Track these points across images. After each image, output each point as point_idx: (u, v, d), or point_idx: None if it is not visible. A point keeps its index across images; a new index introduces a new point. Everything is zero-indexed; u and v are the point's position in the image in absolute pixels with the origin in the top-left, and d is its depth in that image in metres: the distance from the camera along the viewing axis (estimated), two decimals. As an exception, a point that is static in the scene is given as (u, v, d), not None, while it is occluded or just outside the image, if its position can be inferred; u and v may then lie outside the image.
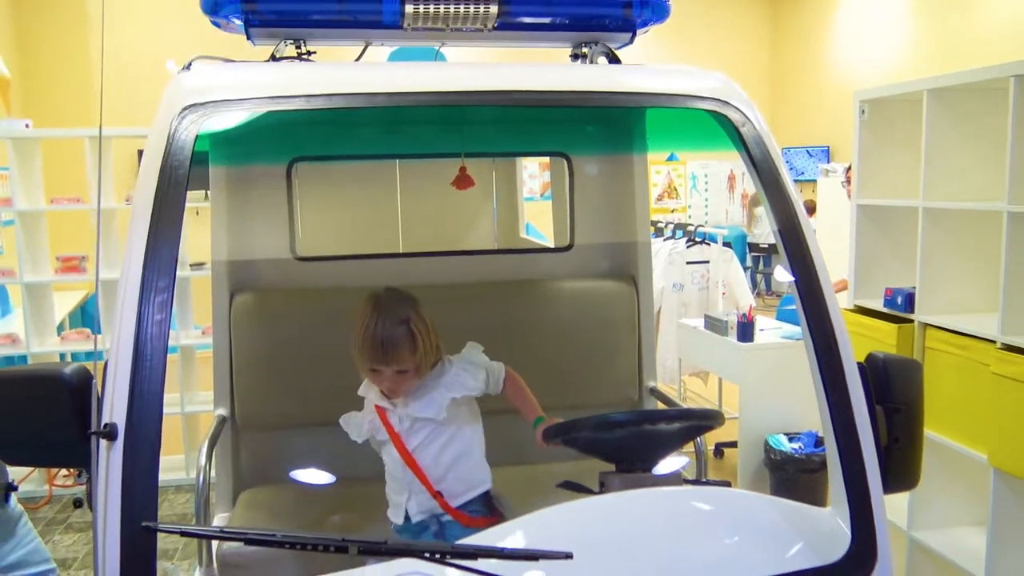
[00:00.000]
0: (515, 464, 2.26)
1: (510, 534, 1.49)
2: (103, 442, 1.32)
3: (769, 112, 11.41)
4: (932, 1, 8.67)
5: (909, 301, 3.00)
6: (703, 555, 1.46)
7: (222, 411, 2.45)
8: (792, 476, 4.20)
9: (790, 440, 4.40)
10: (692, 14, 10.82)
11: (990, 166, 2.64)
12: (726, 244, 6.08)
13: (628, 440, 1.74)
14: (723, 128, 1.74)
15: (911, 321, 2.99)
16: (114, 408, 1.33)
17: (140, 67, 7.86)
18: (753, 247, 10.99)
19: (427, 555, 1.29)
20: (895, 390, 1.64)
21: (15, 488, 2.29)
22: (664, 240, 5.94)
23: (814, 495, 4.10)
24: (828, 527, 1.54)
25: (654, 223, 6.49)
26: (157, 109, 1.61)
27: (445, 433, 1.97)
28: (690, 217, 11.06)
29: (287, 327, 2.48)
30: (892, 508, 3.16)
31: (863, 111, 3.23)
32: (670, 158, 11.19)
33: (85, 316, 6.86)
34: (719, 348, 4.70)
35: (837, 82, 10.18)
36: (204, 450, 2.26)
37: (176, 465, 5.09)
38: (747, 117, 1.72)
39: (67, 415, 1.39)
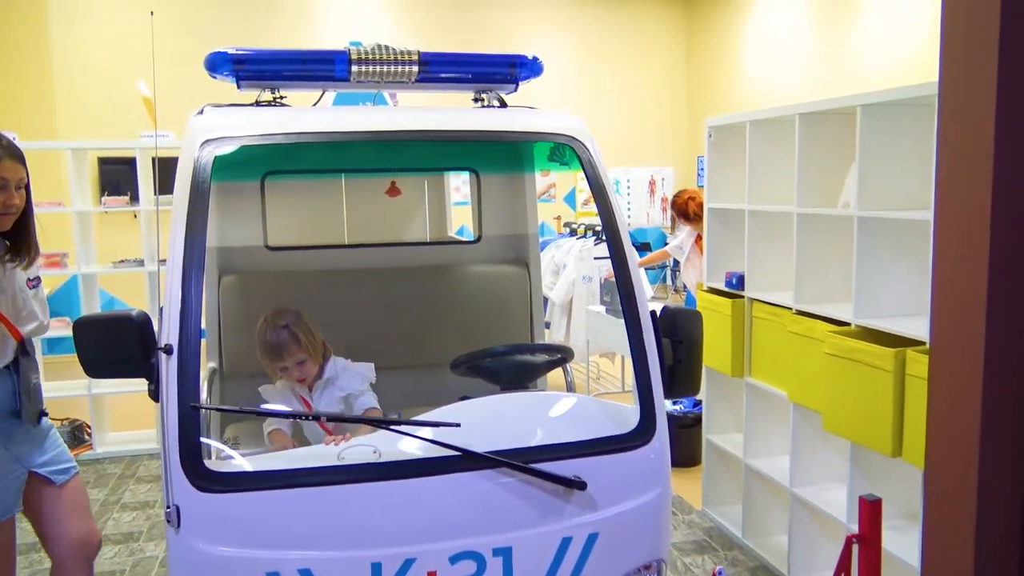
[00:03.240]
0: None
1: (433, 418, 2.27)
2: (163, 356, 2.09)
3: (687, 127, 12.39)
4: (826, 20, 9.62)
5: (740, 282, 3.91)
6: (545, 426, 2.29)
7: (212, 364, 3.22)
8: (673, 431, 5.08)
9: (673, 403, 5.30)
10: (612, 36, 11.73)
11: (791, 178, 3.53)
12: (643, 244, 6.97)
13: (505, 365, 2.58)
14: (570, 152, 2.58)
15: (742, 297, 3.91)
16: (169, 335, 2.10)
17: (101, 82, 8.49)
18: (671, 247, 11.95)
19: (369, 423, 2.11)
20: (680, 330, 2.48)
21: (46, 414, 2.97)
22: (577, 239, 6.81)
23: (689, 444, 5.01)
24: (630, 416, 2.38)
25: (568, 224, 7.37)
26: (183, 142, 2.38)
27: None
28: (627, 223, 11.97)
29: (261, 299, 3.26)
30: (733, 442, 4.08)
31: (710, 135, 4.14)
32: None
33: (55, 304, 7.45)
34: (619, 330, 5.57)
35: (750, 97, 11.14)
36: (204, 394, 3.02)
37: (149, 437, 5.77)
38: (586, 147, 2.56)
39: (135, 342, 2.16)
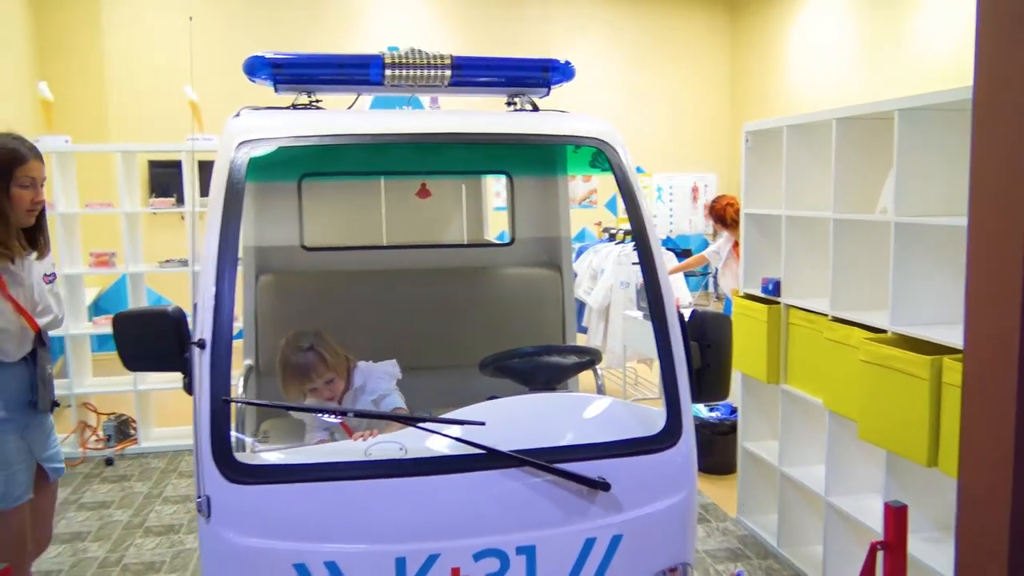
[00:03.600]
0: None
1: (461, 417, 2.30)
2: (197, 350, 2.14)
3: (730, 133, 12.27)
4: (872, 25, 9.49)
5: (777, 288, 3.87)
6: (570, 426, 2.30)
7: (249, 361, 3.29)
8: (708, 437, 5.06)
9: (710, 410, 5.26)
10: (655, 42, 11.69)
11: (828, 184, 3.49)
12: (670, 248, 6.94)
13: (533, 366, 2.59)
14: (605, 157, 2.59)
15: (779, 303, 3.86)
16: (203, 330, 2.15)
17: (152, 87, 8.72)
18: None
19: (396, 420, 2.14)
20: (708, 333, 2.48)
21: (58, 404, 3.07)
22: (616, 244, 6.80)
23: (724, 451, 4.97)
24: (657, 419, 2.38)
25: (607, 229, 7.36)
26: (220, 143, 2.45)
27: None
28: (655, 227, 11.92)
29: (297, 298, 3.33)
30: (768, 450, 4.04)
31: (748, 140, 4.11)
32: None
33: (99, 306, 7.69)
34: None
35: (793, 102, 11.02)
36: (239, 389, 3.08)
37: (190, 434, 5.89)
38: (616, 151, 2.57)
39: (171, 337, 2.22)
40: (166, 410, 6.26)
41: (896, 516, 1.74)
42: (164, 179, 8.61)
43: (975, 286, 1.82)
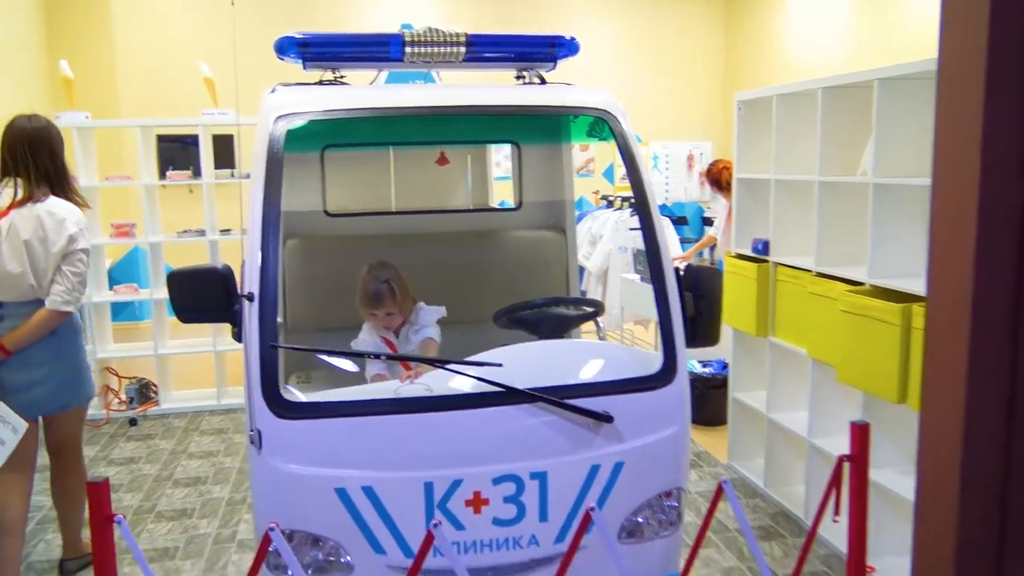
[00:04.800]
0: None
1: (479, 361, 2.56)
2: (246, 303, 2.41)
3: (725, 102, 12.46)
4: None
5: (766, 247, 4.14)
6: (577, 368, 2.58)
7: (278, 319, 3.55)
8: (702, 391, 5.36)
9: (704, 365, 5.56)
10: (652, 14, 11.85)
11: (815, 149, 3.74)
12: (666, 215, 7.19)
13: (543, 317, 2.87)
14: (607, 127, 2.84)
15: (767, 261, 4.14)
16: (251, 284, 2.42)
17: (160, 63, 8.90)
18: (707, 220, 12.12)
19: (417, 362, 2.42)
20: (701, 285, 2.75)
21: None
22: (614, 211, 7.05)
23: (717, 404, 5.27)
24: (654, 361, 2.66)
25: (605, 197, 7.60)
26: (259, 117, 2.69)
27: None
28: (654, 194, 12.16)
29: (321, 260, 3.59)
30: (757, 399, 4.33)
31: (740, 108, 4.36)
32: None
33: (112, 276, 7.95)
34: (652, 296, 5.82)
35: (788, 77, 11.19)
36: None
37: (210, 396, 6.20)
38: (619, 120, 2.82)
39: (221, 291, 2.48)
40: (184, 374, 6.55)
41: (860, 432, 2.02)
42: (170, 153, 8.85)
43: (936, 238, 2.09)
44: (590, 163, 11.99)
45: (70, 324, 3.37)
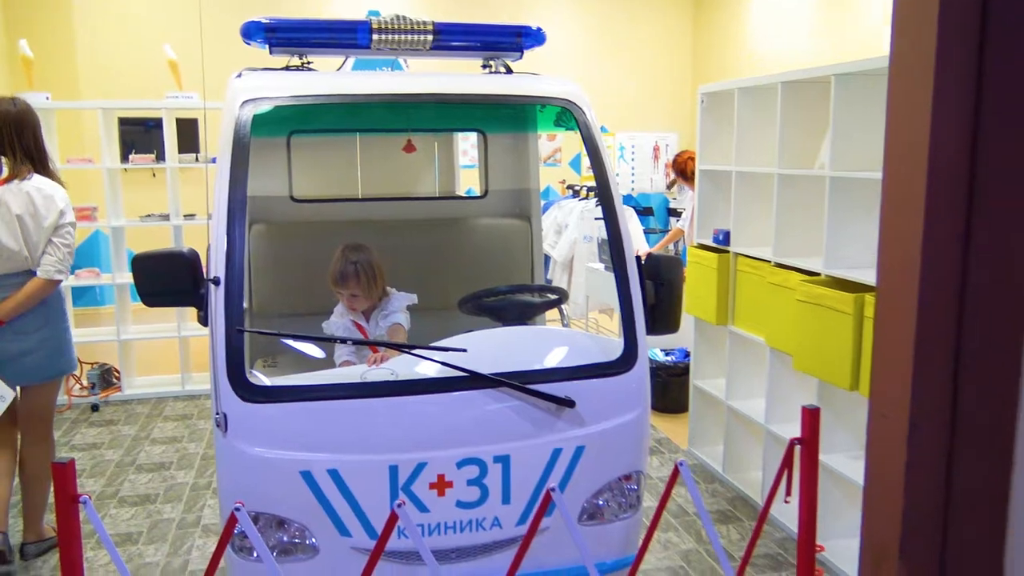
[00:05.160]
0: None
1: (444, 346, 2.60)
2: (212, 286, 2.42)
3: (692, 94, 12.58)
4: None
5: (727, 238, 4.23)
6: (540, 353, 2.63)
7: (243, 304, 3.56)
8: (664, 379, 5.45)
9: (666, 354, 5.65)
10: (619, 4, 11.90)
11: (775, 142, 3.82)
12: (631, 206, 7.26)
13: (507, 304, 2.92)
14: (572, 116, 2.89)
15: (728, 252, 4.22)
16: (217, 269, 2.43)
17: (121, 44, 8.76)
18: (673, 212, 12.24)
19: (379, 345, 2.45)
20: (662, 273, 2.81)
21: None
22: (579, 200, 7.12)
23: (679, 392, 5.36)
24: (616, 347, 2.71)
25: (571, 186, 7.67)
26: (225, 102, 2.69)
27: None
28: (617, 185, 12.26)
29: (286, 245, 3.60)
30: (717, 387, 4.43)
31: (703, 101, 4.43)
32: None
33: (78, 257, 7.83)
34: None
35: (756, 70, 11.31)
36: None
37: (174, 382, 6.16)
38: (583, 111, 2.87)
39: (187, 276, 2.49)
40: (147, 359, 6.50)
41: (811, 416, 2.10)
42: (132, 136, 8.73)
43: (886, 230, 2.17)
44: (557, 152, 12.04)
45: (58, 294, 3.62)
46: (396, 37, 3.02)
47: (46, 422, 3.67)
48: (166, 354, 6.34)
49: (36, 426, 3.63)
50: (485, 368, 2.39)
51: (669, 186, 12.12)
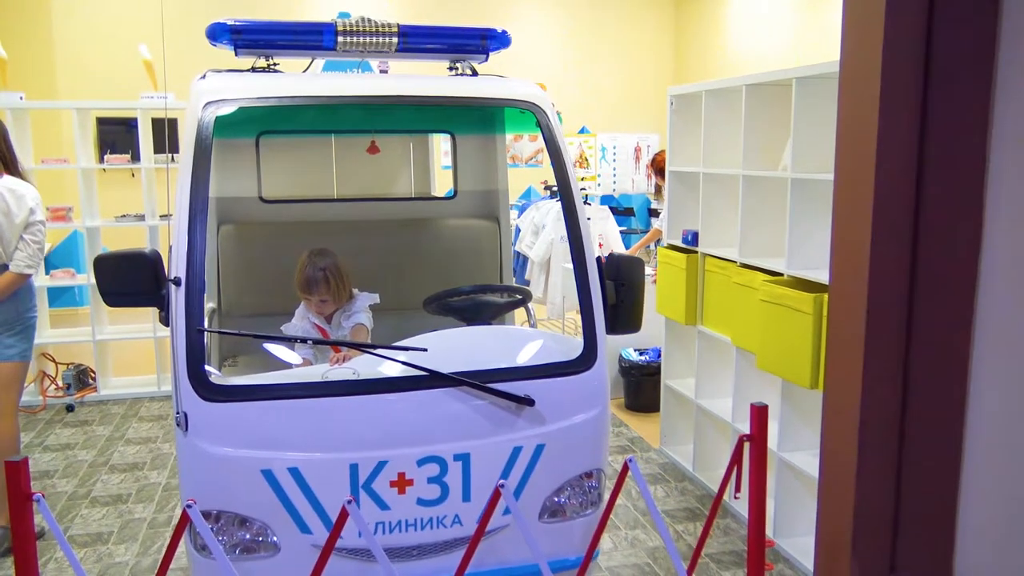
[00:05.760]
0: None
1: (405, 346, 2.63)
2: (173, 287, 2.44)
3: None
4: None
5: (695, 238, 4.27)
6: (501, 353, 2.66)
7: (212, 304, 3.58)
8: (637, 379, 5.50)
9: (640, 354, 5.69)
10: (601, 6, 11.95)
11: (740, 144, 3.87)
12: (612, 207, 7.30)
13: (471, 304, 2.95)
14: (534, 118, 2.92)
15: (696, 252, 4.27)
16: (178, 269, 2.45)
17: (99, 44, 8.73)
18: (653, 212, 12.30)
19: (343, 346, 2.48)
20: (623, 274, 2.85)
21: None
22: (557, 200, 7.14)
23: (652, 392, 5.40)
24: (576, 346, 2.75)
25: (550, 187, 7.69)
26: (188, 103, 2.72)
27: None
28: (599, 185, 12.31)
29: (255, 246, 3.62)
30: (687, 386, 4.47)
31: (672, 103, 4.48)
32: (581, 131, 12.41)
33: (50, 261, 7.82)
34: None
35: (735, 72, 11.40)
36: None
37: (150, 382, 6.16)
38: (545, 112, 2.90)
39: (149, 276, 2.51)
40: (123, 360, 6.49)
41: (759, 413, 2.14)
42: (111, 136, 8.71)
43: (837, 230, 2.22)
44: (539, 153, 12.07)
45: (29, 286, 3.84)
46: (361, 39, 3.04)
47: (10, 395, 3.78)
48: (142, 355, 6.34)
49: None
50: (446, 367, 2.43)
51: (656, 191, 12.19)
